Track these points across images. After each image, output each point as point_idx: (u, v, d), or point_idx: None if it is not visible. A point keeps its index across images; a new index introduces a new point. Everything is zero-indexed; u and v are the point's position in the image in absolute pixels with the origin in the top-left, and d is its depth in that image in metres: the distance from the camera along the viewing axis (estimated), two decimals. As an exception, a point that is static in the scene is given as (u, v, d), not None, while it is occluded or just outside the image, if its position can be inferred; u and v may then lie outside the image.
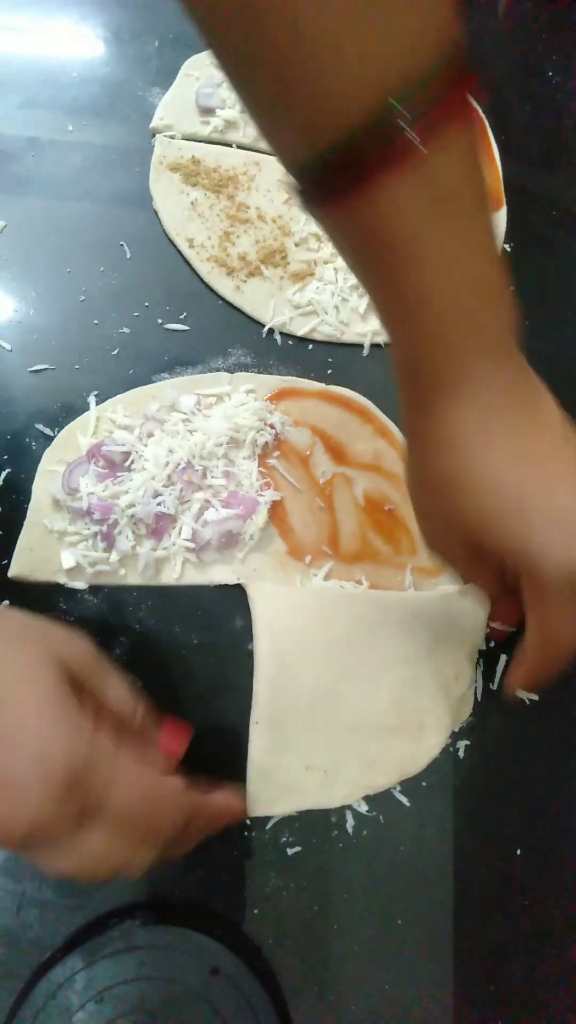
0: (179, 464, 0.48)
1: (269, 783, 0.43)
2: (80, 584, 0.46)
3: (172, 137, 0.61)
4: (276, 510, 0.49)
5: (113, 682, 0.36)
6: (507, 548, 0.33)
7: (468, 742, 0.46)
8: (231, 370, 0.54)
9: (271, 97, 0.28)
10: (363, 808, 0.44)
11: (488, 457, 0.32)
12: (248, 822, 0.43)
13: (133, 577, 0.46)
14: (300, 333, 0.56)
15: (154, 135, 0.61)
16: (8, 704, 0.29)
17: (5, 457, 0.49)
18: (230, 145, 0.62)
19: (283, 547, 0.49)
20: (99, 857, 0.30)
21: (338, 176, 0.27)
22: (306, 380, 0.54)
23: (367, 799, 0.44)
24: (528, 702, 0.46)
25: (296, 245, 0.58)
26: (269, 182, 0.60)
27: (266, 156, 0.62)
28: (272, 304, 0.56)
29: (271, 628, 0.46)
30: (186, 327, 0.55)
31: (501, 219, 0.62)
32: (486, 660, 0.48)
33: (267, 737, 0.43)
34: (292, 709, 0.44)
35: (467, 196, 0.28)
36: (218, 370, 0.54)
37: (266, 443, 0.50)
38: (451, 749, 0.46)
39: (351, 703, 0.45)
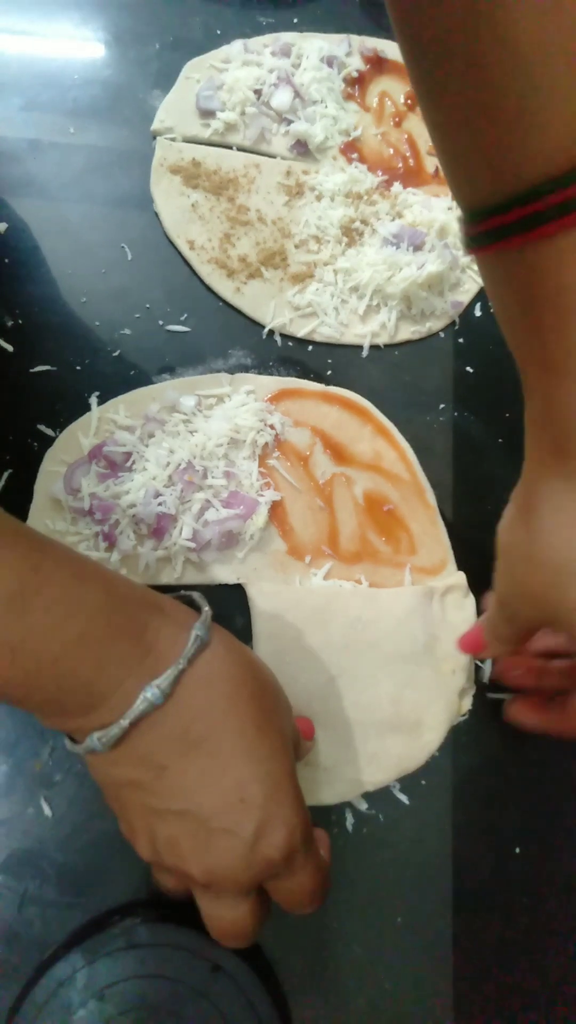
0: (180, 464, 0.48)
1: None
2: (81, 584, 0.46)
3: (173, 139, 0.62)
4: (276, 510, 0.50)
5: (295, 722, 0.38)
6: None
7: (468, 741, 0.46)
8: (231, 371, 0.54)
9: (474, 132, 0.28)
10: (363, 806, 0.44)
11: None
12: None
13: (134, 577, 0.47)
14: (300, 334, 0.56)
15: (155, 137, 0.62)
16: (272, 774, 0.32)
17: (7, 458, 0.49)
18: (230, 147, 0.62)
19: (283, 547, 0.49)
20: (242, 919, 0.32)
21: (519, 221, 0.28)
22: (306, 381, 0.54)
23: (367, 797, 0.44)
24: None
25: (296, 247, 0.59)
26: (269, 184, 0.61)
27: (266, 159, 0.62)
28: (272, 306, 0.56)
29: (269, 628, 0.46)
30: (187, 328, 0.55)
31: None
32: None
33: None
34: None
35: None
36: (218, 371, 0.54)
37: (266, 443, 0.51)
38: (451, 747, 0.46)
39: (349, 700, 0.45)
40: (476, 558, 0.50)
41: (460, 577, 0.49)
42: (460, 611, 0.48)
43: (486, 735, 0.46)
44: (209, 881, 0.31)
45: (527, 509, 0.35)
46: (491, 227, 0.29)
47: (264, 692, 0.34)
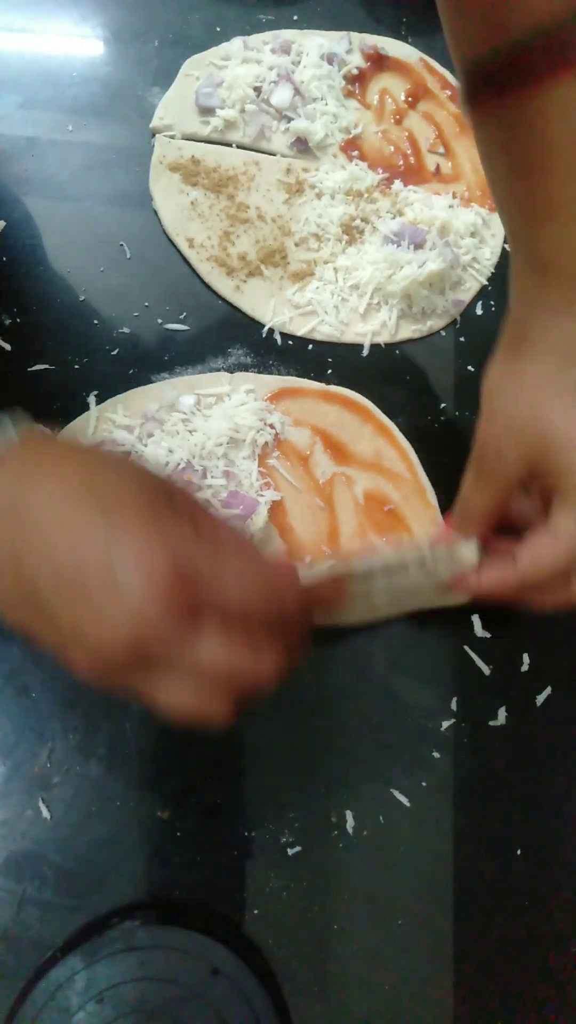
0: (179, 464, 0.48)
1: None
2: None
3: (172, 137, 0.61)
4: (276, 510, 0.49)
5: (213, 516, 0.30)
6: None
7: (468, 742, 0.46)
8: (231, 370, 0.54)
9: None
10: (363, 808, 0.44)
11: None
12: (248, 823, 0.43)
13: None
14: (300, 333, 0.56)
15: (154, 135, 0.61)
16: (110, 504, 0.26)
17: (5, 457, 0.49)
18: (230, 145, 0.62)
19: (283, 547, 0.49)
20: (220, 669, 0.26)
21: (510, 72, 0.31)
22: (306, 380, 0.54)
23: (366, 800, 0.44)
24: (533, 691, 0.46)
25: (296, 245, 0.58)
26: (269, 182, 0.60)
27: (266, 156, 0.62)
28: (272, 304, 0.56)
29: None
30: (186, 327, 0.55)
31: None
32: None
33: None
34: None
35: None
36: (218, 370, 0.54)
37: (266, 443, 0.50)
38: (452, 748, 0.46)
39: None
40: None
41: None
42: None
43: (487, 737, 0.46)
44: (99, 666, 0.25)
45: (514, 345, 0.37)
46: (485, 76, 0.32)
47: (101, 479, 0.27)
